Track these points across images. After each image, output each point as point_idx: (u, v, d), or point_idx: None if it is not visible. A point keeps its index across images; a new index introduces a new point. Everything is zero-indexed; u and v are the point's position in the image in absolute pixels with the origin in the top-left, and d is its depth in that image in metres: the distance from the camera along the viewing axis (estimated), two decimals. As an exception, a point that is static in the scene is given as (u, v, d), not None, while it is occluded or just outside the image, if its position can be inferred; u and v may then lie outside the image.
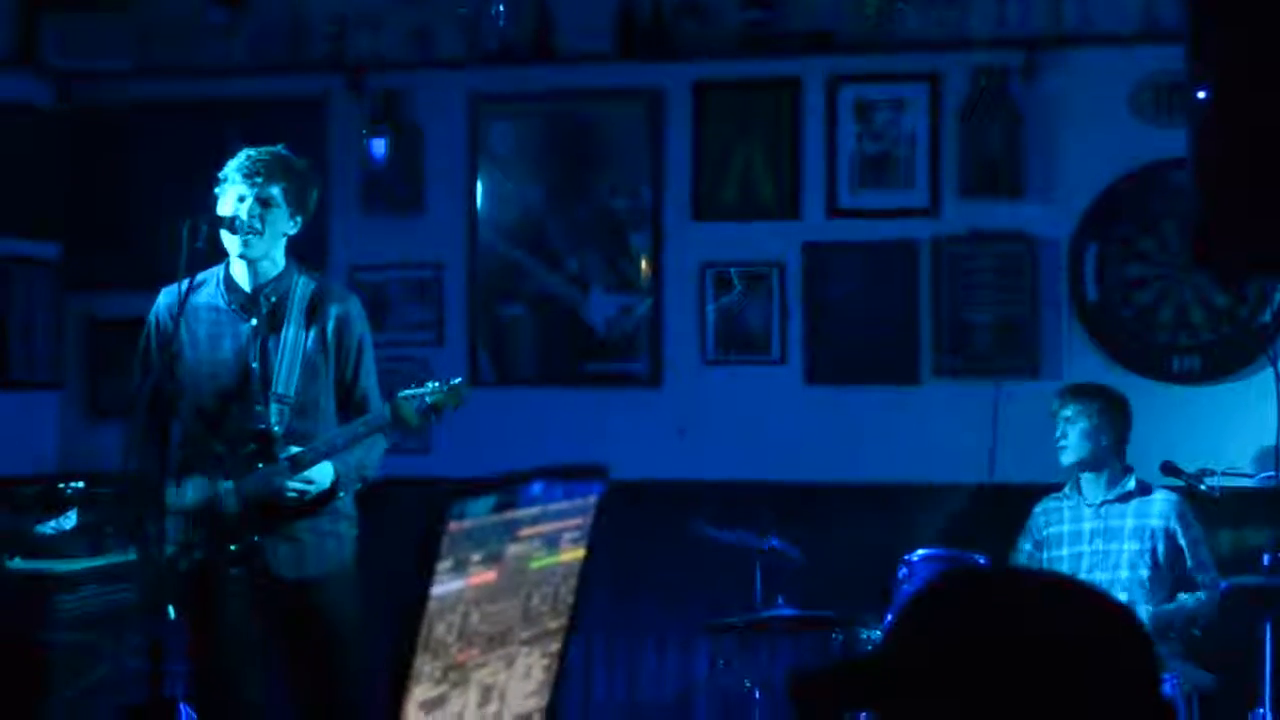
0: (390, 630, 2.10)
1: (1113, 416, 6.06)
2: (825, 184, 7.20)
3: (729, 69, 7.30)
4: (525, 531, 2.26)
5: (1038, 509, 6.16)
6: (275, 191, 4.99)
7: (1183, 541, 5.93)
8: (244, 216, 4.95)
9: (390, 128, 7.51)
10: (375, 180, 7.54)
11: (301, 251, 5.32)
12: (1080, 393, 6.13)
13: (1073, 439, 6.05)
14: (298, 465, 4.91)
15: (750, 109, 7.29)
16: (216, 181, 5.06)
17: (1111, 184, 6.93)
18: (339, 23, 7.52)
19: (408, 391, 4.91)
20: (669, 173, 7.35)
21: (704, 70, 7.31)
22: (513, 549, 2.24)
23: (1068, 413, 6.06)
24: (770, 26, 7.20)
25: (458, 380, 4.97)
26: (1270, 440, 6.32)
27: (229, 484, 4.95)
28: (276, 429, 4.96)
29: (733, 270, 7.25)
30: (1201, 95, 3.71)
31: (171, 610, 4.80)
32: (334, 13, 7.50)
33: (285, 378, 4.99)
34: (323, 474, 4.94)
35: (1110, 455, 6.06)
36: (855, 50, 7.16)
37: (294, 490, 4.90)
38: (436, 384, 4.94)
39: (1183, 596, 5.88)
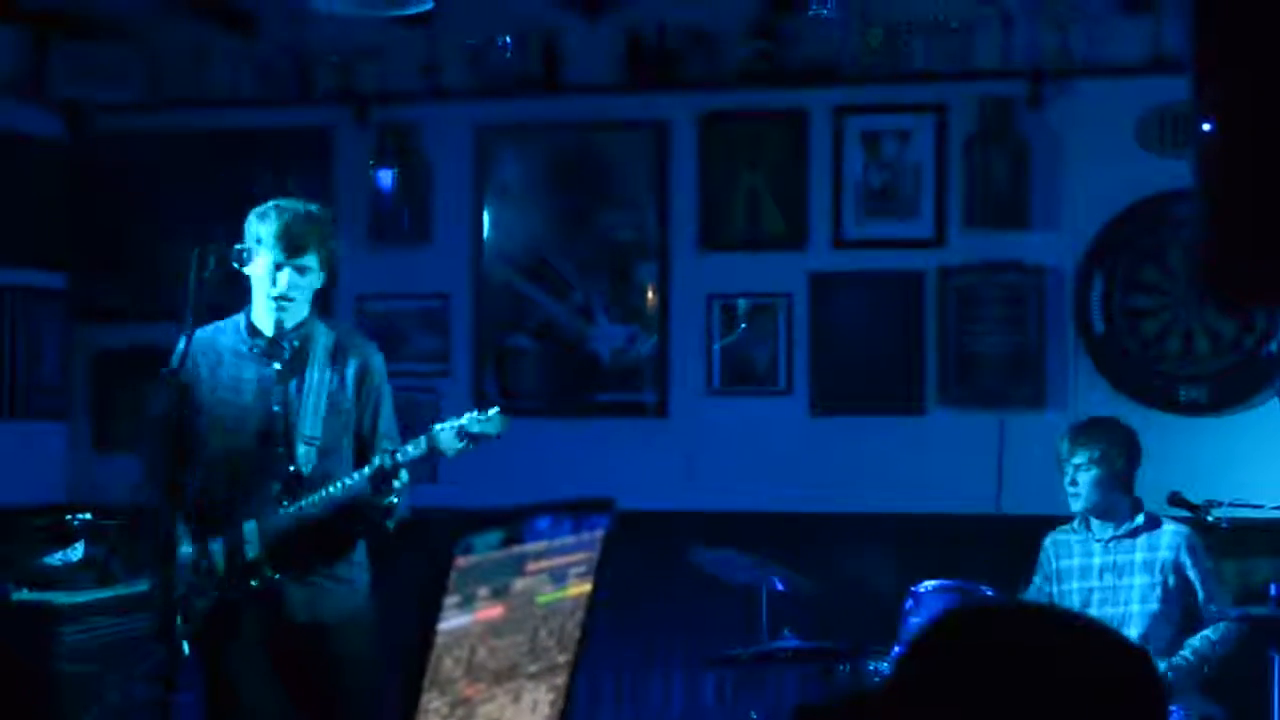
0: (397, 664, 2.10)
1: (1123, 456, 5.95)
2: (831, 215, 7.21)
3: (735, 100, 7.31)
4: (532, 566, 2.26)
5: (1047, 541, 6.12)
6: (312, 261, 5.02)
7: (1193, 575, 5.89)
8: (285, 291, 4.96)
9: (397, 159, 7.52)
10: (382, 211, 7.56)
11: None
12: (1089, 438, 5.94)
13: (1084, 488, 5.90)
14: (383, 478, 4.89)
15: (756, 140, 7.31)
16: (244, 242, 5.01)
17: (1117, 214, 6.93)
18: (346, 54, 7.54)
19: (445, 424, 4.89)
20: (675, 204, 7.36)
21: (710, 101, 7.33)
22: (520, 584, 2.24)
23: (1078, 459, 5.91)
24: (776, 58, 7.21)
25: (495, 410, 4.95)
26: (1278, 471, 6.31)
27: (252, 524, 4.95)
28: (306, 469, 4.97)
29: (740, 302, 7.26)
30: (1207, 126, 3.71)
31: (186, 646, 4.79)
32: (341, 44, 7.52)
33: (312, 420, 5.00)
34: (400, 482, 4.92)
35: (1121, 496, 5.98)
36: (861, 81, 7.18)
37: (388, 497, 4.87)
38: (474, 414, 4.93)
39: (1196, 641, 5.80)
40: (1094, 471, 5.90)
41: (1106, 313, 6.95)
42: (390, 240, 7.55)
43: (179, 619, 4.78)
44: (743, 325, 7.24)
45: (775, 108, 7.28)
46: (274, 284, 4.98)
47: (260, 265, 4.99)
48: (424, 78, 7.52)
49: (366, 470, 4.88)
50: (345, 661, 5.08)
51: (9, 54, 7.57)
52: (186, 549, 4.94)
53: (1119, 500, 5.96)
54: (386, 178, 7.55)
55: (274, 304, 5.00)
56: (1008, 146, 7.02)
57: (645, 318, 7.37)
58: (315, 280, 5.07)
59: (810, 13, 7.00)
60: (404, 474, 4.89)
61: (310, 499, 4.93)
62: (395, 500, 4.94)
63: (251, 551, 4.93)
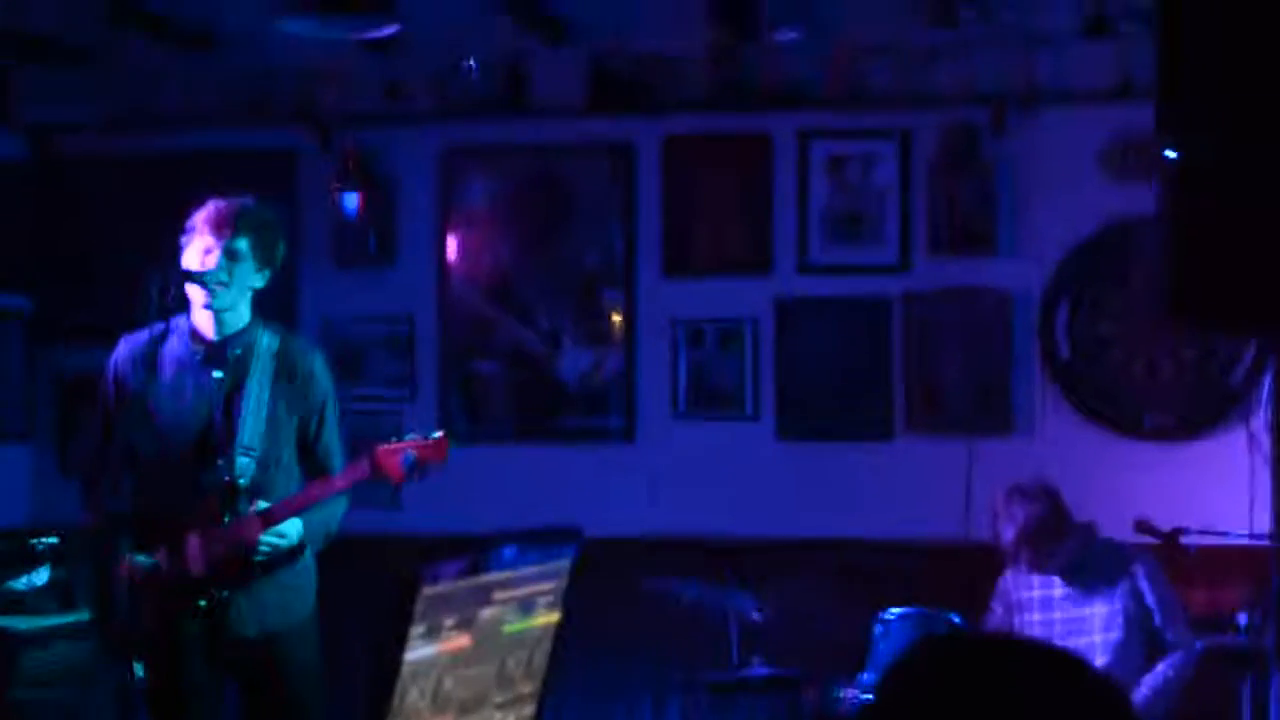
0: (361, 694, 2.08)
1: (1039, 514, 5.93)
2: (797, 240, 7.21)
3: (700, 123, 7.31)
4: (499, 595, 2.24)
5: (1009, 572, 6.10)
6: (242, 245, 4.93)
7: (1150, 600, 5.87)
8: (210, 269, 4.90)
9: (361, 181, 7.50)
10: (347, 233, 7.53)
11: (272, 304, 5.28)
12: (1007, 506, 5.92)
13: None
14: (269, 520, 4.86)
15: (721, 164, 7.30)
16: (184, 233, 5.01)
17: (1082, 241, 6.95)
18: (310, 77, 7.52)
19: (389, 445, 4.87)
20: (640, 227, 7.35)
21: (675, 125, 7.33)
22: (486, 613, 2.22)
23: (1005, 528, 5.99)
24: (741, 82, 7.22)
25: (438, 434, 4.92)
26: (1244, 498, 6.32)
27: (195, 540, 4.88)
28: (242, 482, 4.90)
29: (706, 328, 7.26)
30: (1171, 154, 3.71)
31: (139, 668, 4.74)
32: (304, 66, 7.49)
33: (250, 430, 4.93)
34: (293, 528, 4.89)
35: (1058, 543, 5.93)
36: (826, 106, 7.18)
37: (267, 545, 4.85)
38: (416, 435, 4.91)
39: (1155, 672, 5.77)
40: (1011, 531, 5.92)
41: (1072, 339, 6.96)
42: (355, 263, 7.52)
43: (125, 641, 4.74)
44: (710, 347, 7.25)
45: (740, 132, 7.29)
46: (204, 269, 4.91)
47: (193, 253, 4.94)
48: (388, 100, 7.50)
49: (312, 490, 4.91)
50: (295, 669, 5.03)
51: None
52: (129, 564, 4.86)
53: (1056, 543, 5.91)
54: (351, 200, 7.52)
55: (207, 294, 4.91)
56: (973, 173, 7.03)
57: (611, 342, 7.36)
58: (249, 273, 4.97)
59: (774, 37, 7.00)
60: (344, 500, 4.95)
61: (248, 506, 4.88)
62: (332, 530, 4.97)
63: (196, 567, 4.85)
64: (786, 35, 6.94)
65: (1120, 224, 6.87)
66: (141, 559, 4.87)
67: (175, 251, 5.01)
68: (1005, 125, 7.00)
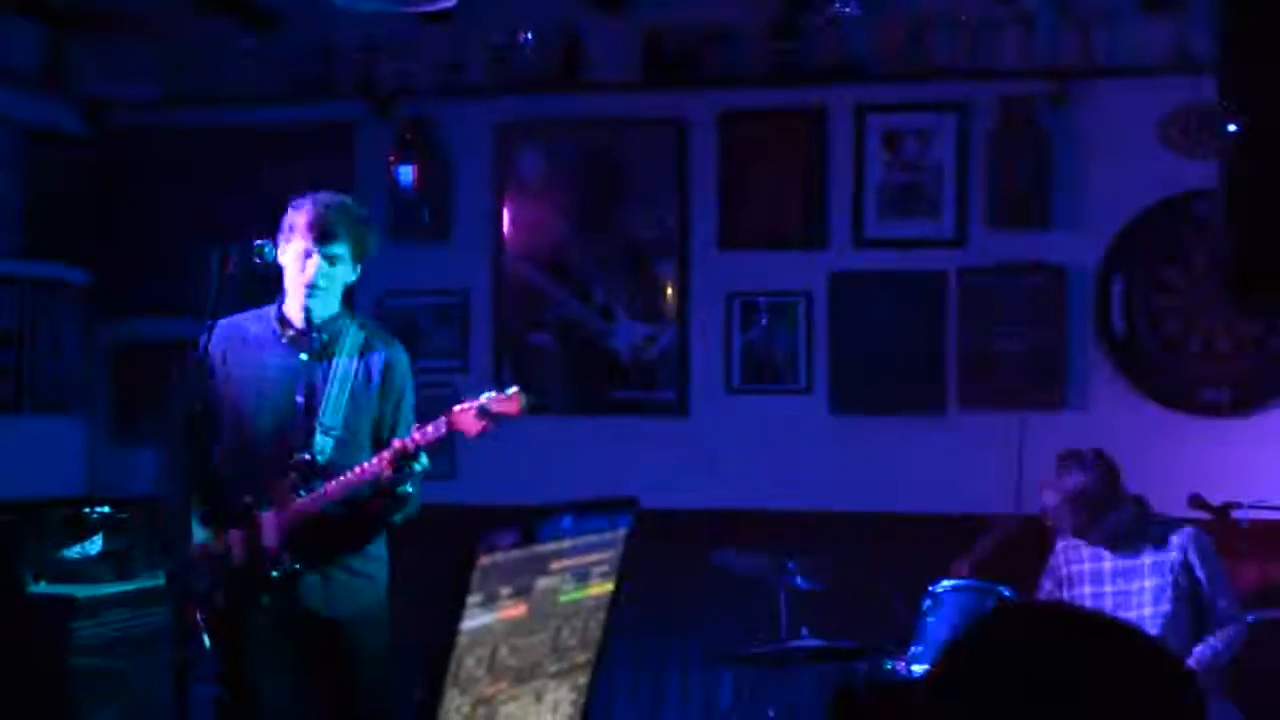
0: (418, 661, 2.10)
1: (1090, 482, 5.94)
2: (852, 214, 7.19)
3: (756, 98, 7.29)
4: (555, 565, 2.25)
5: (1059, 546, 6.10)
6: (341, 250, 5.03)
7: (1201, 574, 5.86)
8: (312, 279, 4.97)
9: (418, 155, 7.52)
10: (403, 207, 7.56)
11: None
12: (1058, 471, 6.02)
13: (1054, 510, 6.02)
14: (340, 488, 4.88)
15: (777, 138, 7.29)
16: (280, 231, 5.02)
17: (1139, 214, 6.91)
18: (369, 50, 7.54)
19: (464, 405, 4.88)
20: (695, 202, 7.35)
21: (731, 99, 7.31)
22: (542, 583, 2.23)
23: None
24: (797, 55, 7.20)
25: (512, 389, 4.93)
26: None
27: (270, 513, 4.92)
28: (320, 459, 4.96)
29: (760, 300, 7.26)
30: (1232, 127, 3.69)
31: (206, 639, 4.79)
32: (364, 41, 7.52)
33: (333, 409, 5.00)
34: (422, 462, 4.90)
35: (1104, 513, 5.93)
36: (883, 80, 7.16)
37: (405, 471, 4.84)
38: (493, 394, 4.92)
39: (1205, 645, 5.76)
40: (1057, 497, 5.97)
41: (1128, 313, 6.93)
42: (410, 236, 7.55)
43: (198, 613, 4.79)
44: (764, 321, 7.24)
45: (796, 106, 7.27)
46: (303, 271, 4.99)
47: (291, 253, 5.01)
48: (445, 74, 7.51)
49: (386, 453, 4.86)
50: (362, 657, 5.08)
51: (31, 50, 7.58)
52: (203, 539, 4.93)
53: (1106, 513, 5.91)
54: (407, 174, 7.55)
55: (303, 292, 5.00)
56: (1030, 146, 7.00)
57: (665, 316, 7.37)
58: (346, 272, 5.08)
59: (832, 10, 6.98)
60: (424, 458, 4.88)
61: (324, 484, 4.90)
62: (410, 490, 4.92)
63: (270, 540, 4.91)
64: (844, 8, 6.91)
65: (1178, 198, 6.83)
66: (213, 542, 4.92)
67: (237, 226, 5.05)
68: (1064, 98, 6.96)
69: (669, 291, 7.37)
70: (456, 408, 4.88)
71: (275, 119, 7.64)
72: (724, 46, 7.27)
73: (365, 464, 4.90)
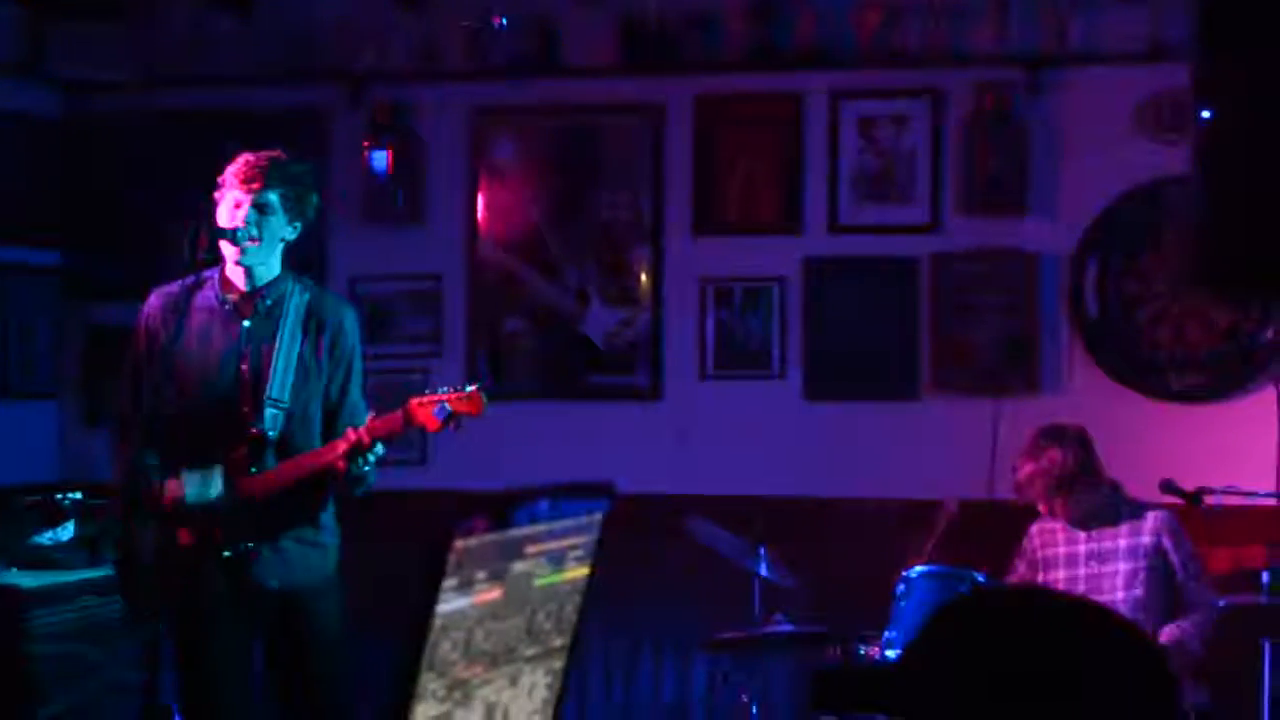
0: (393, 646, 2.10)
1: (1068, 458, 5.97)
2: (827, 199, 7.20)
3: (731, 83, 7.30)
4: (531, 549, 2.25)
5: (1033, 529, 6.13)
6: (273, 198, 4.93)
7: (1174, 558, 5.89)
8: (241, 223, 4.90)
9: (393, 139, 7.50)
10: (376, 191, 7.54)
11: (301, 261, 5.29)
12: (1033, 444, 6.05)
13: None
14: (294, 470, 4.87)
15: (752, 124, 7.29)
16: (216, 189, 5.01)
17: (1113, 201, 6.93)
18: (343, 34, 7.52)
19: (423, 399, 4.85)
20: (670, 186, 7.35)
21: (706, 84, 7.31)
22: (518, 567, 2.23)
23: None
24: (773, 41, 7.20)
25: (472, 387, 4.91)
26: (1271, 459, 6.31)
27: (218, 484, 4.88)
28: (271, 434, 4.91)
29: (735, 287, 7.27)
30: (1206, 114, 3.70)
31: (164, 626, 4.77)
32: (338, 24, 7.50)
33: (280, 382, 4.93)
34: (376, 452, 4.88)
35: (1084, 487, 5.96)
36: (857, 66, 7.16)
37: (364, 467, 4.83)
38: (449, 389, 4.89)
39: (1171, 628, 5.78)
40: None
41: (1101, 298, 6.95)
42: (384, 221, 7.54)
43: (149, 595, 4.76)
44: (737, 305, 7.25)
45: (772, 91, 7.27)
46: (236, 225, 4.90)
47: (225, 207, 4.94)
48: (420, 58, 7.49)
49: (340, 443, 4.84)
50: (317, 627, 5.04)
51: (6, 33, 7.54)
52: (152, 523, 4.88)
53: (1083, 490, 5.95)
54: (381, 158, 7.53)
55: (238, 250, 4.91)
56: (1004, 133, 7.01)
57: (639, 301, 7.36)
58: (281, 225, 4.97)
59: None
60: (379, 447, 4.87)
61: (276, 460, 4.88)
62: (367, 469, 4.90)
63: (224, 512, 4.86)
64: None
65: (1151, 185, 6.85)
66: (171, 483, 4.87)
67: (208, 208, 5.01)
68: (1038, 85, 6.97)
69: (643, 277, 7.37)
70: (415, 400, 4.84)
71: (249, 102, 7.61)
72: (700, 32, 7.27)
73: (318, 449, 4.88)
